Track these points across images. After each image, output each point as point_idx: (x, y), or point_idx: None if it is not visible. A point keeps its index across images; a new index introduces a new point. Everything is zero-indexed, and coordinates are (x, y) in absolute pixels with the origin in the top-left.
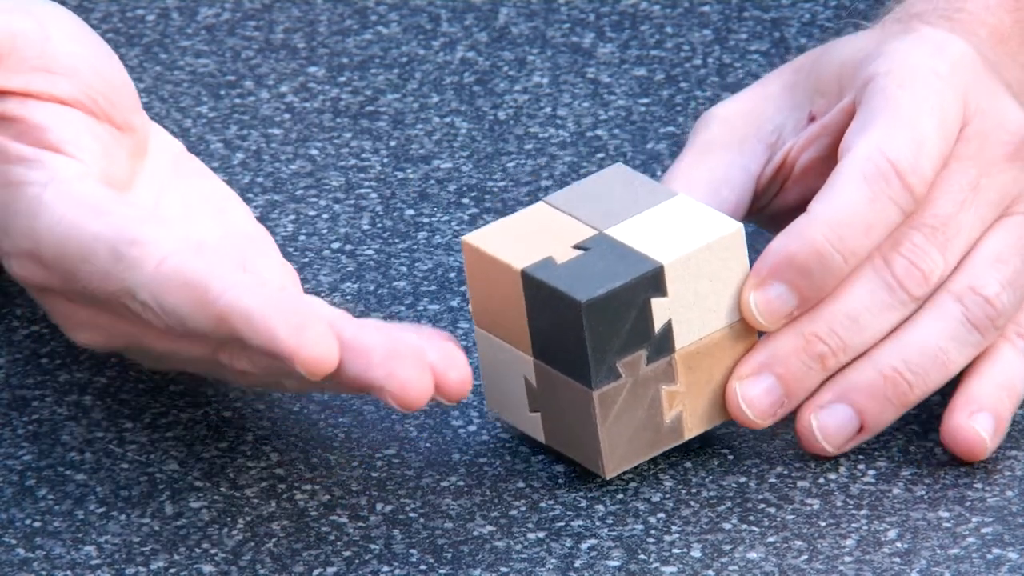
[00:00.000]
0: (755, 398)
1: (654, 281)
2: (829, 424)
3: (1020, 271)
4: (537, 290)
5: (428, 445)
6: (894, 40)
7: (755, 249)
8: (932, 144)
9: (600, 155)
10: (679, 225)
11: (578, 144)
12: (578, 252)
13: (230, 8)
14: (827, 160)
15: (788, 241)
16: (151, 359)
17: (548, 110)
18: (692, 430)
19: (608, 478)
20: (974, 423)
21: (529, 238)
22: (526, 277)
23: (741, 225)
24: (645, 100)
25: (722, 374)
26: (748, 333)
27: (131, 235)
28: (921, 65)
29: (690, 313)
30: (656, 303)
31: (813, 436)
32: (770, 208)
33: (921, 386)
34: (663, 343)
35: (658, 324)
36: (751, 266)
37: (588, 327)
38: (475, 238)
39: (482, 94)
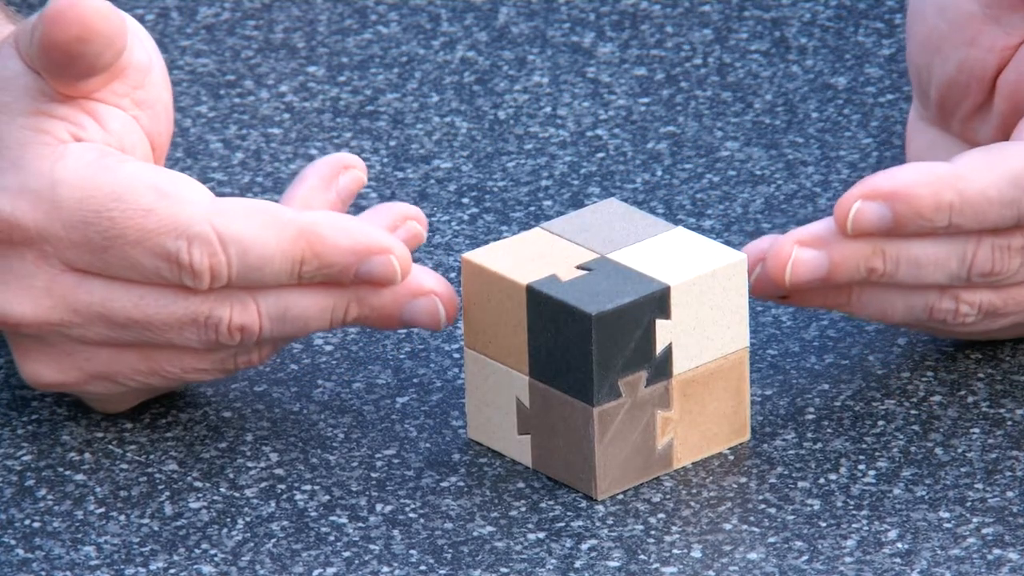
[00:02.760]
0: (801, 262)
1: (660, 302)
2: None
3: None
4: (542, 305)
5: (428, 445)
6: None
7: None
8: None
9: (600, 155)
10: (681, 253)
11: (578, 144)
12: (582, 272)
13: (230, 8)
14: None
15: (922, 179)
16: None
17: (548, 110)
18: (681, 459)
19: (599, 499)
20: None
21: (530, 258)
22: (531, 292)
23: (744, 255)
24: (645, 100)
25: (714, 405)
26: (742, 365)
27: (177, 177)
28: None
29: (689, 339)
30: (660, 324)
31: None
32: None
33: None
34: (663, 366)
35: (660, 346)
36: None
37: (596, 341)
38: (476, 256)
39: (482, 94)
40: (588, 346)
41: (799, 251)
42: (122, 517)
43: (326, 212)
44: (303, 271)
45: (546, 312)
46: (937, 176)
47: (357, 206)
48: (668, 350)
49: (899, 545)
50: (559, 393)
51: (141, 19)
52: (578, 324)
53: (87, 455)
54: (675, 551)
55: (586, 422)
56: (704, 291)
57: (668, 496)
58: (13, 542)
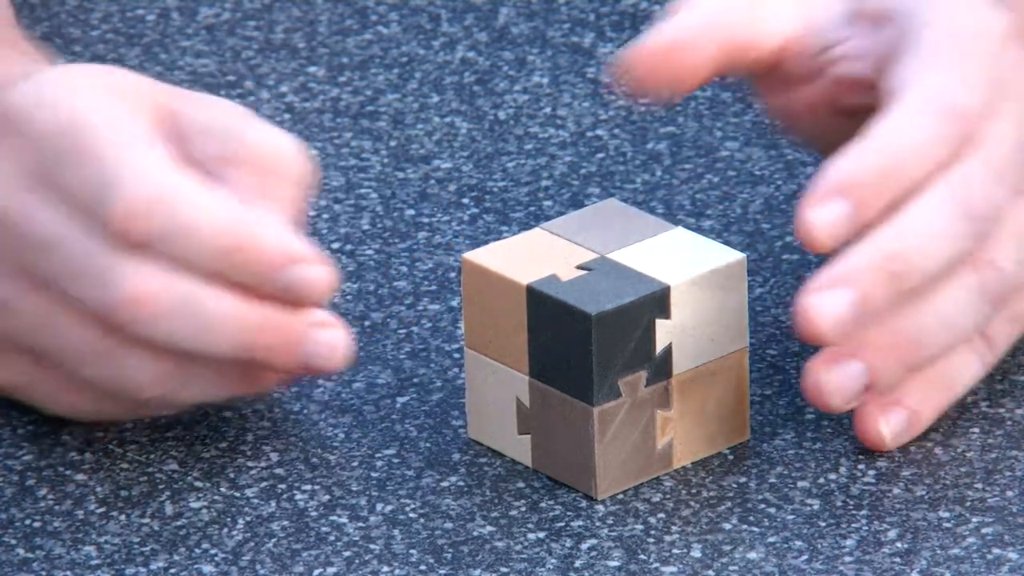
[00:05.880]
0: (831, 309)
1: (660, 301)
2: (838, 377)
3: None
4: (542, 305)
5: (428, 445)
6: None
7: (756, 257)
8: (983, 94)
9: (600, 155)
10: (681, 253)
11: (578, 144)
12: (582, 272)
13: (230, 8)
14: (859, 82)
15: (847, 161)
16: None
17: (548, 110)
18: (681, 459)
19: (599, 499)
20: (881, 418)
21: (530, 258)
22: (532, 292)
23: (744, 255)
24: (645, 100)
25: (714, 405)
26: (742, 365)
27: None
28: (967, 25)
29: (689, 339)
30: (660, 324)
31: (818, 387)
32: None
33: (930, 348)
34: (662, 366)
35: (660, 346)
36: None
37: (596, 340)
38: (476, 256)
39: (482, 94)
40: (588, 346)
41: (819, 297)
42: (122, 517)
43: (260, 212)
44: (231, 261)
45: (546, 312)
46: (862, 146)
47: (357, 206)
48: (668, 350)
49: (899, 545)
50: (559, 393)
51: (141, 19)
52: (578, 324)
53: (87, 455)
54: (675, 551)
55: (586, 422)
56: (704, 291)
57: (668, 496)
58: (13, 542)
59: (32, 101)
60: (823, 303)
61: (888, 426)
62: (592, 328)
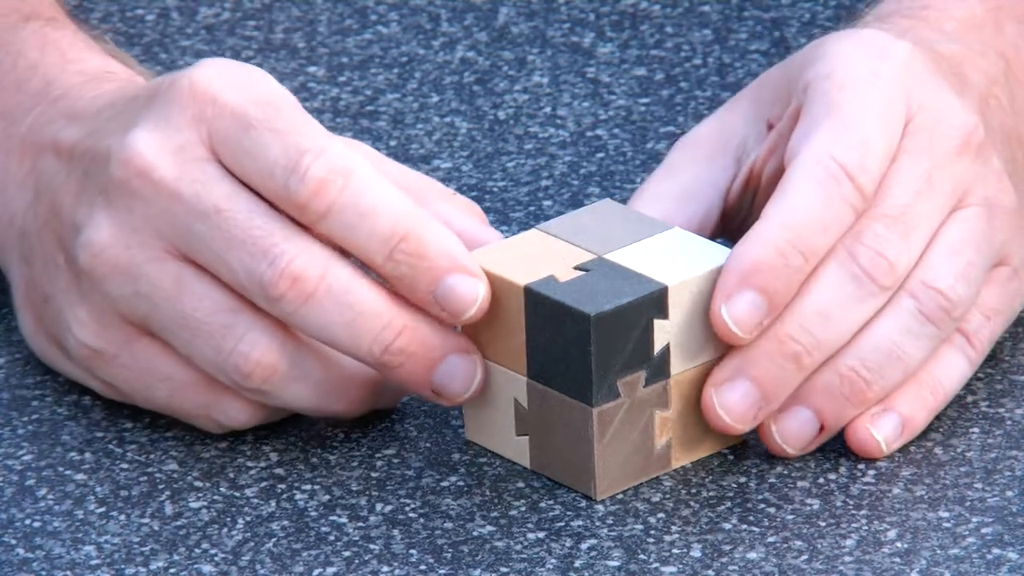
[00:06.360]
0: (732, 403)
1: (658, 302)
2: (789, 427)
3: (974, 262)
4: (540, 306)
5: (428, 445)
6: (835, 42)
7: None
8: (877, 142)
9: (600, 155)
10: (677, 254)
11: (578, 144)
12: (580, 272)
13: (230, 8)
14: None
15: (748, 248)
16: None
17: (548, 110)
18: (679, 459)
19: (599, 499)
20: (871, 426)
21: (527, 259)
22: (529, 293)
23: None
24: (645, 100)
25: None
26: None
27: None
28: (860, 67)
29: (686, 339)
30: (658, 325)
31: (774, 439)
32: (748, 223)
33: (878, 382)
34: (660, 366)
35: (658, 346)
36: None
37: (595, 341)
38: (474, 257)
39: (482, 94)
40: (587, 347)
41: (719, 394)
42: (122, 517)
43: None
44: (396, 249)
45: (544, 313)
46: (765, 230)
47: None
48: (666, 350)
49: (898, 544)
50: (557, 394)
51: (141, 19)
52: (577, 325)
53: (87, 455)
54: (675, 551)
55: (585, 423)
56: (701, 291)
57: (668, 496)
58: (13, 542)
59: (223, 78)
60: (724, 399)
61: (880, 432)
62: (591, 329)
